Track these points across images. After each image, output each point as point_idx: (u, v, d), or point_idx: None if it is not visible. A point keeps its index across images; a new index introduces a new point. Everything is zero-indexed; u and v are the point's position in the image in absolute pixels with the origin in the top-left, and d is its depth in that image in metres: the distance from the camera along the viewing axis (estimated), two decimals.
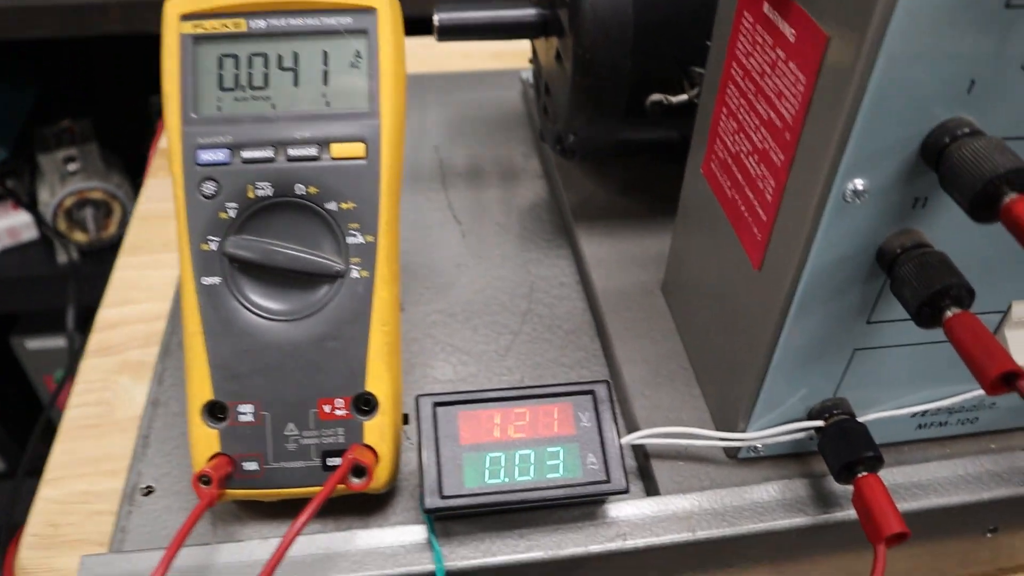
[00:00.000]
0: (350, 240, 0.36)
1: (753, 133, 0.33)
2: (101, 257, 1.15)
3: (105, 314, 0.59)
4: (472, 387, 0.43)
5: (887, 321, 0.33)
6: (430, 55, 0.74)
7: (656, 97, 0.43)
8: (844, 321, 0.33)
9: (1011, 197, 0.25)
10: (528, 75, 0.66)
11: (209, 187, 0.35)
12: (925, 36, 0.25)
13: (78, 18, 0.94)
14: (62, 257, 1.15)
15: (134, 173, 1.20)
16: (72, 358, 1.02)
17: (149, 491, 0.40)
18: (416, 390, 0.43)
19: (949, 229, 0.30)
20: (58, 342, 1.23)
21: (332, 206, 0.35)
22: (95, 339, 0.57)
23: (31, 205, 1.14)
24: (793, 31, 0.29)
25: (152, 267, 0.58)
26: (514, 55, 0.75)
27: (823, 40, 0.27)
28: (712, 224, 0.38)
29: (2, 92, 1.15)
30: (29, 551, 0.42)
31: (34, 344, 1.24)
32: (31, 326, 1.24)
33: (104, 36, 0.95)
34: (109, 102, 1.23)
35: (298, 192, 0.35)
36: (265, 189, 0.35)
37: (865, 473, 0.33)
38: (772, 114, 0.31)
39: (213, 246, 0.35)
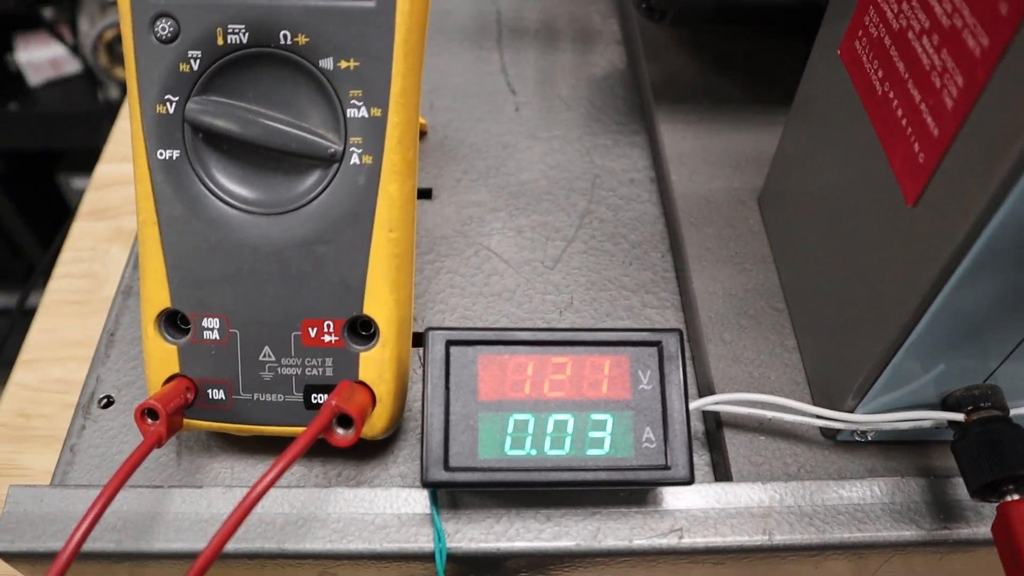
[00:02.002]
0: (351, 113, 0.26)
1: (936, 1, 0.22)
2: None
3: (103, 170, 0.52)
4: (507, 306, 0.35)
5: None
6: None
7: None
8: None
9: None
10: None
11: (165, 27, 0.26)
12: None
13: None
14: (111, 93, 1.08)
15: None
16: None
17: (108, 402, 0.33)
18: (435, 305, 0.35)
19: None
20: None
21: (327, 64, 0.26)
22: (89, 198, 0.50)
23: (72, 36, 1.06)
24: None
25: None
26: None
27: None
28: (845, 128, 0.28)
29: None
30: None
31: (81, 183, 1.19)
32: (76, 164, 1.18)
33: None
34: None
35: (283, 42, 0.26)
36: (239, 34, 0.26)
37: (1017, 497, 0.24)
38: None
39: (171, 108, 0.27)
